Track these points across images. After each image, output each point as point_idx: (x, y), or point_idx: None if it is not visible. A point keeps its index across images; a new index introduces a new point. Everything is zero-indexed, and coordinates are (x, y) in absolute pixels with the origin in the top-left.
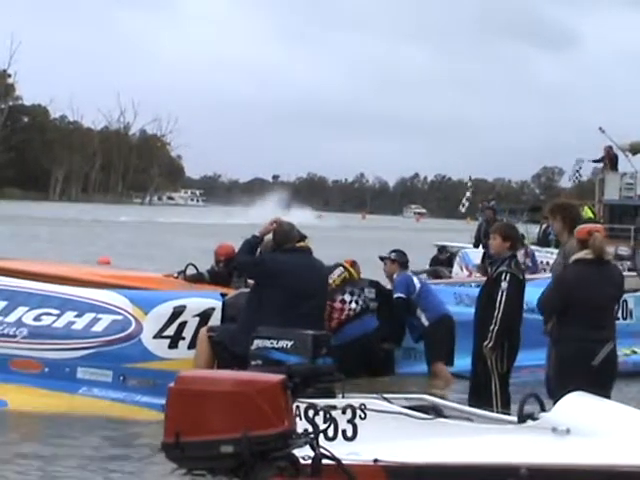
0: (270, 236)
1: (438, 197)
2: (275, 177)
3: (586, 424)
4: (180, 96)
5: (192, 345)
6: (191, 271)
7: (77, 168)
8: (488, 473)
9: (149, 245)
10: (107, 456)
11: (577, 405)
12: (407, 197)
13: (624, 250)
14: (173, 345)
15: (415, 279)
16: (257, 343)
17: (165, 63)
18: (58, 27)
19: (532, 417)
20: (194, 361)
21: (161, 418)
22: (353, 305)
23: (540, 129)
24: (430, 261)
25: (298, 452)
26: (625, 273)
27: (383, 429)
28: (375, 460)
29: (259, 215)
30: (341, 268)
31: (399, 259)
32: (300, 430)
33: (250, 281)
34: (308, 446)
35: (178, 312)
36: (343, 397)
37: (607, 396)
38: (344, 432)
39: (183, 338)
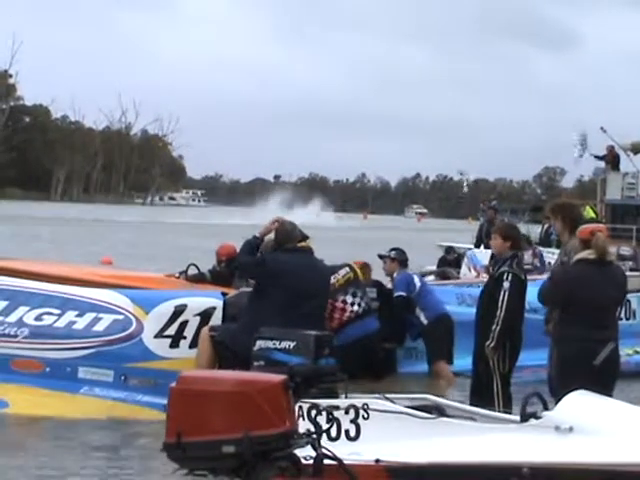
0: (271, 236)
1: (440, 197)
2: (276, 177)
3: (589, 422)
4: (181, 96)
5: (193, 344)
6: (193, 271)
7: (78, 168)
8: (491, 472)
9: (151, 245)
10: (108, 456)
11: (580, 403)
12: (409, 197)
13: (626, 250)
14: (174, 344)
15: (415, 278)
16: (260, 344)
17: (165, 63)
18: (59, 27)
19: (535, 416)
20: (196, 361)
21: (162, 418)
22: (355, 307)
23: (540, 129)
24: (438, 262)
25: (300, 452)
26: (628, 273)
27: (386, 429)
28: (377, 460)
29: (261, 216)
30: (347, 268)
31: (399, 257)
32: (303, 430)
33: (251, 281)
34: (310, 446)
35: (179, 311)
36: (346, 397)
37: (609, 396)
38: (347, 432)
39: (184, 337)
